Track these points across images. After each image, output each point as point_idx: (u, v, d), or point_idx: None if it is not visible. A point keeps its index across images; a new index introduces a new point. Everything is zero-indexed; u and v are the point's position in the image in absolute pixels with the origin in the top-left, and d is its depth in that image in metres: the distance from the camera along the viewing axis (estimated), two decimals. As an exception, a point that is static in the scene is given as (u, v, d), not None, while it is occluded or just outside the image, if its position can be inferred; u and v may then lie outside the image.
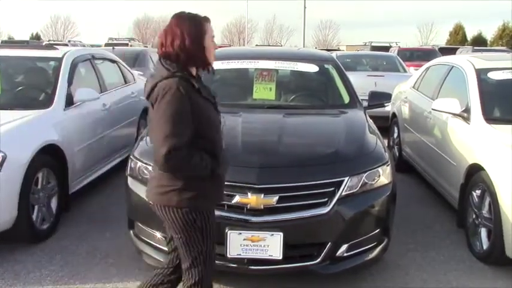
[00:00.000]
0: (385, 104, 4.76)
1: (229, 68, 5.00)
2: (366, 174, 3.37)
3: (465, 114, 4.60)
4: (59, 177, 4.50)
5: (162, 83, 2.27)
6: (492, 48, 28.57)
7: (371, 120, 4.34)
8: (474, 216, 4.15)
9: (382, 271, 3.78)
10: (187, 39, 2.30)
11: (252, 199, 3.13)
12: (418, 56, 17.54)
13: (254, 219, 3.13)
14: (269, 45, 29.14)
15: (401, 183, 6.18)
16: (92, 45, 22.27)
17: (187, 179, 2.34)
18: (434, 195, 5.46)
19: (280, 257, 3.13)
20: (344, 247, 3.30)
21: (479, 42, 44.89)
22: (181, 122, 2.24)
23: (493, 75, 4.84)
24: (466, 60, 5.24)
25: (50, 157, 4.37)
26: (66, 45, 22.46)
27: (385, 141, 7.72)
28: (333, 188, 3.24)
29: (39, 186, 4.20)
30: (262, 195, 3.13)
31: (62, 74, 5.01)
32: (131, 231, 3.65)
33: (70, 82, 5.03)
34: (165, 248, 3.40)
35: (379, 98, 4.74)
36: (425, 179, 5.69)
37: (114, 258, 3.93)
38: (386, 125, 7.46)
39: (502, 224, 3.67)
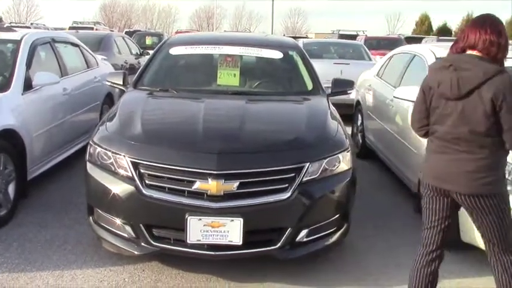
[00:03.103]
0: (348, 92, 4.79)
1: (193, 53, 4.94)
2: (327, 160, 3.40)
3: (425, 102, 4.67)
4: (17, 163, 4.39)
5: (499, 79, 2.45)
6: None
7: (333, 107, 4.37)
8: (432, 202, 4.23)
9: (342, 256, 3.84)
10: (505, 38, 2.54)
11: (212, 185, 3.13)
12: (384, 44, 17.67)
13: (214, 205, 3.13)
14: (237, 32, 29.01)
15: (364, 169, 6.28)
16: (56, 29, 21.63)
17: (502, 166, 2.62)
18: (395, 181, 5.56)
19: (240, 243, 3.14)
20: (304, 232, 3.33)
21: (444, 32, 45.65)
22: None
23: (453, 64, 4.91)
24: (428, 49, 5.32)
25: (7, 142, 4.25)
26: (29, 28, 21.81)
27: (349, 129, 7.83)
28: (293, 174, 3.26)
29: (-5, 172, 4.10)
30: (223, 181, 3.13)
31: (20, 57, 4.86)
32: (90, 218, 3.60)
33: (29, 65, 4.88)
34: (125, 234, 3.39)
35: (342, 85, 4.76)
36: (387, 165, 5.79)
37: (73, 245, 3.87)
38: (351, 112, 7.55)
39: (457, 210, 3.76)
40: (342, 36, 22.65)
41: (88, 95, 6.19)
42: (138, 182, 3.23)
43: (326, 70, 8.54)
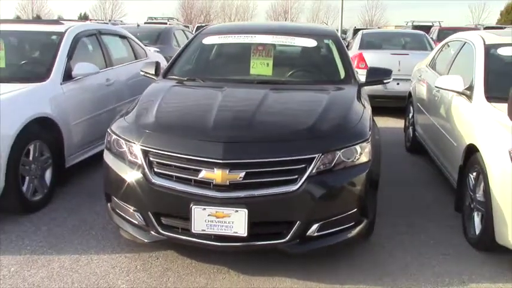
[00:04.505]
0: (385, 81, 4.52)
1: (226, 42, 4.89)
2: (342, 151, 3.22)
3: (468, 92, 4.34)
4: (54, 150, 4.55)
5: None
6: (542, 27, 26.97)
7: (366, 97, 4.16)
8: (470, 199, 3.93)
9: (365, 252, 3.65)
10: None
11: (218, 174, 3.05)
12: (459, 35, 16.75)
13: (219, 194, 3.06)
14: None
15: (411, 164, 6.00)
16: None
17: None
18: (440, 177, 5.22)
19: (245, 234, 3.05)
20: (315, 226, 3.17)
21: (532, 21, 42.62)
22: None
23: (503, 52, 4.52)
24: (478, 36, 4.93)
25: (44, 130, 4.42)
26: (107, 24, 22.77)
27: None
28: (303, 165, 3.11)
29: (30, 158, 4.26)
30: (228, 170, 3.05)
31: (62, 48, 5.04)
32: (108, 205, 3.66)
33: (70, 56, 5.05)
34: (136, 222, 3.40)
35: (377, 74, 4.51)
36: (433, 160, 5.45)
37: (97, 232, 3.95)
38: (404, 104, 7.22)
39: (492, 209, 3.45)
40: (415, 27, 21.82)
41: (134, 86, 6.29)
42: (147, 169, 3.23)
43: (382, 61, 8.25)
